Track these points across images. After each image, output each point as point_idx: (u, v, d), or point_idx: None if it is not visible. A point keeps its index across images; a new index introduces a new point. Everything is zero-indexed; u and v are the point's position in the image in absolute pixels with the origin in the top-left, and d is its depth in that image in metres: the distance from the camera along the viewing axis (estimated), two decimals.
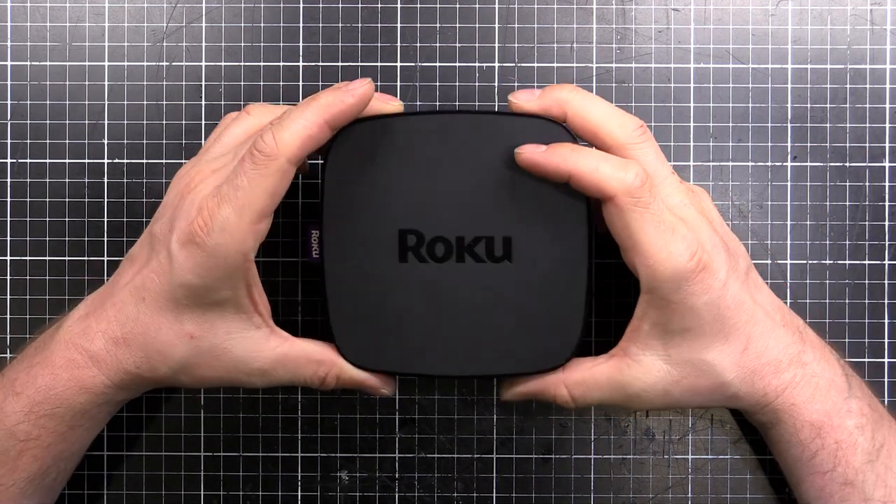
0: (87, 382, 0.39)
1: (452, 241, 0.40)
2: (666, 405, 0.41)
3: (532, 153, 0.39)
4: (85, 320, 0.39)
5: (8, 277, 0.47)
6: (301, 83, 0.47)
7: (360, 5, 0.47)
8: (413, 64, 0.47)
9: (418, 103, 0.47)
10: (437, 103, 0.46)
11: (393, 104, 0.40)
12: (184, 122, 0.47)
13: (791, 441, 0.41)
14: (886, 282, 0.47)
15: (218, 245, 0.36)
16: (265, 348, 0.40)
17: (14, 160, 0.47)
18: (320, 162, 0.46)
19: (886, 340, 0.47)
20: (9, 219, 0.47)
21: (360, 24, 0.47)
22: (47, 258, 0.46)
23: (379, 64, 0.47)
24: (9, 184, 0.47)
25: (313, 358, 0.40)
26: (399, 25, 0.47)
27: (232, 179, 0.37)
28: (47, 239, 0.47)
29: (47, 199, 0.47)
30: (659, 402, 0.40)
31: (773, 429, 0.41)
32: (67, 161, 0.47)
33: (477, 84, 0.47)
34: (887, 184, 0.47)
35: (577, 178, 0.38)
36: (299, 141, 0.37)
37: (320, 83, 0.46)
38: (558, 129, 0.39)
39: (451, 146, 0.40)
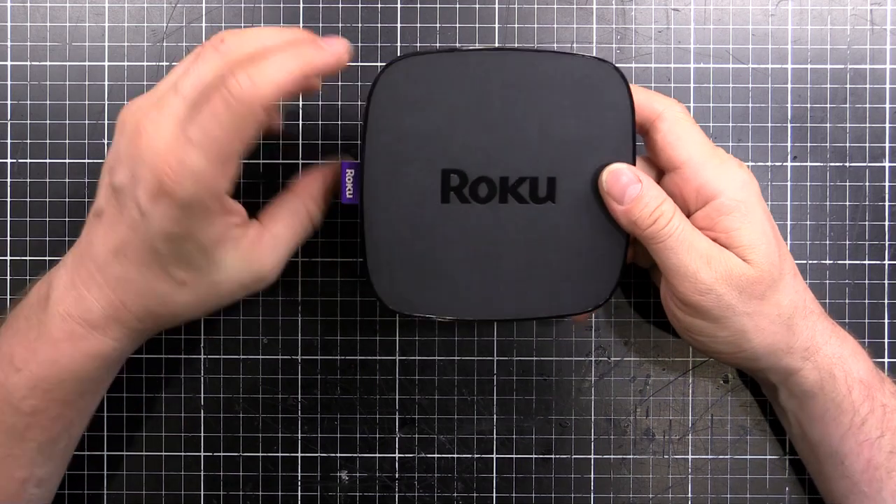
0: (94, 350, 0.39)
1: (496, 182, 0.39)
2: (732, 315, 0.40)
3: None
4: (74, 289, 0.38)
5: (8, 277, 0.47)
6: None
7: (360, 5, 0.47)
8: None
9: None
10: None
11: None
12: None
13: (843, 405, 0.40)
14: (886, 282, 0.47)
15: (190, 194, 0.34)
16: (260, 255, 0.39)
17: (14, 160, 0.47)
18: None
19: (886, 340, 0.47)
20: (9, 219, 0.47)
21: (360, 24, 0.47)
22: (47, 258, 0.46)
23: (379, 64, 0.47)
24: (9, 184, 0.47)
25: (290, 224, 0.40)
26: (399, 25, 0.47)
27: (201, 123, 0.34)
28: (47, 239, 0.47)
29: (47, 199, 0.47)
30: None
31: (820, 391, 0.41)
32: (67, 161, 0.47)
33: None
34: (887, 184, 0.47)
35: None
36: (276, 89, 0.34)
37: (320, 83, 0.46)
38: (608, 67, 0.39)
39: (496, 84, 0.39)
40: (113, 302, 0.38)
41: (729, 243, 0.39)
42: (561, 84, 0.39)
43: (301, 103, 0.46)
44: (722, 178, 0.39)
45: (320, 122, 0.46)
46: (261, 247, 0.39)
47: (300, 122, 0.46)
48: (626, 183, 0.38)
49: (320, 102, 0.46)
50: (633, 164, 0.39)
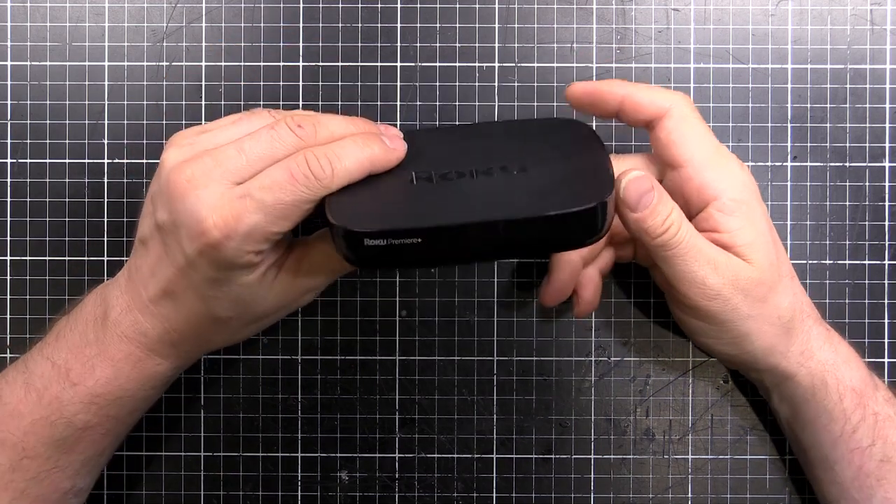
0: (151, 370, 0.40)
1: (466, 172, 0.38)
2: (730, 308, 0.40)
3: (583, 83, 0.41)
4: (130, 313, 0.39)
5: (8, 277, 0.47)
6: (301, 83, 0.47)
7: (360, 5, 0.47)
8: (413, 64, 0.47)
9: (418, 103, 0.46)
10: (438, 103, 0.46)
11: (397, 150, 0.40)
12: (184, 122, 0.47)
13: (834, 413, 0.40)
14: (886, 282, 0.47)
15: (239, 250, 0.36)
16: (303, 281, 0.40)
17: (14, 160, 0.47)
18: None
19: (886, 340, 0.47)
20: (9, 219, 0.47)
21: (360, 24, 0.47)
22: (47, 258, 0.46)
23: (379, 64, 0.47)
24: (9, 184, 0.47)
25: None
26: (399, 25, 0.47)
27: (272, 189, 0.36)
28: (47, 239, 0.47)
29: (47, 199, 0.47)
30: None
31: (812, 398, 0.41)
32: (67, 161, 0.47)
33: (477, 84, 0.47)
34: (887, 184, 0.47)
35: (631, 100, 0.40)
36: (349, 177, 0.37)
37: (320, 83, 0.46)
38: (578, 125, 0.40)
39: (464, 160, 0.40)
40: (168, 330, 0.39)
41: (730, 243, 0.39)
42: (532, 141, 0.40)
43: (301, 103, 0.46)
44: (724, 178, 0.39)
45: None
46: (302, 273, 0.40)
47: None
48: (644, 191, 0.38)
49: (320, 103, 0.46)
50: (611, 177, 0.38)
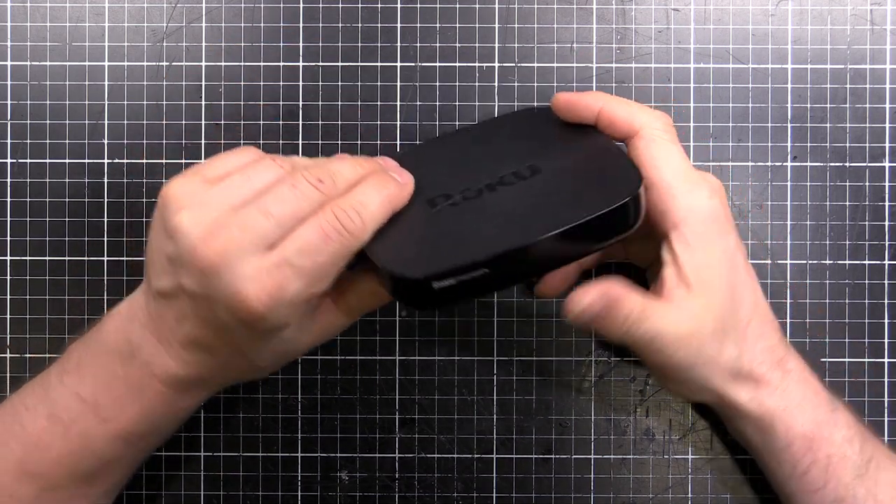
0: (182, 406, 0.40)
1: (481, 187, 0.39)
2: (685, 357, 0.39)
3: (566, 94, 0.40)
4: (160, 356, 0.38)
5: (8, 277, 0.47)
6: (301, 83, 0.47)
7: (360, 5, 0.47)
8: (413, 64, 0.47)
9: (418, 103, 0.47)
10: (438, 103, 0.46)
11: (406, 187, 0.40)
12: (184, 122, 0.47)
13: (782, 457, 0.40)
14: (886, 282, 0.47)
15: (283, 316, 0.36)
16: (334, 323, 0.40)
17: (14, 160, 0.47)
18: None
19: (886, 340, 0.47)
20: (9, 219, 0.47)
21: (360, 24, 0.47)
22: (47, 258, 0.46)
23: (379, 64, 0.47)
24: (9, 184, 0.47)
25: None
26: (399, 25, 0.47)
27: (308, 252, 0.35)
28: (47, 239, 0.47)
29: (47, 199, 0.47)
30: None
31: (761, 441, 0.40)
32: (67, 161, 0.47)
33: (477, 84, 0.47)
34: (887, 184, 0.47)
35: (607, 112, 0.39)
36: (377, 223, 0.37)
37: (320, 83, 0.46)
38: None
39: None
40: (202, 375, 0.39)
41: (680, 280, 0.38)
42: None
43: (301, 103, 0.46)
44: (686, 208, 0.38)
45: (320, 122, 0.46)
46: (342, 312, 0.39)
47: (300, 122, 0.46)
48: (590, 303, 0.37)
49: (320, 103, 0.46)
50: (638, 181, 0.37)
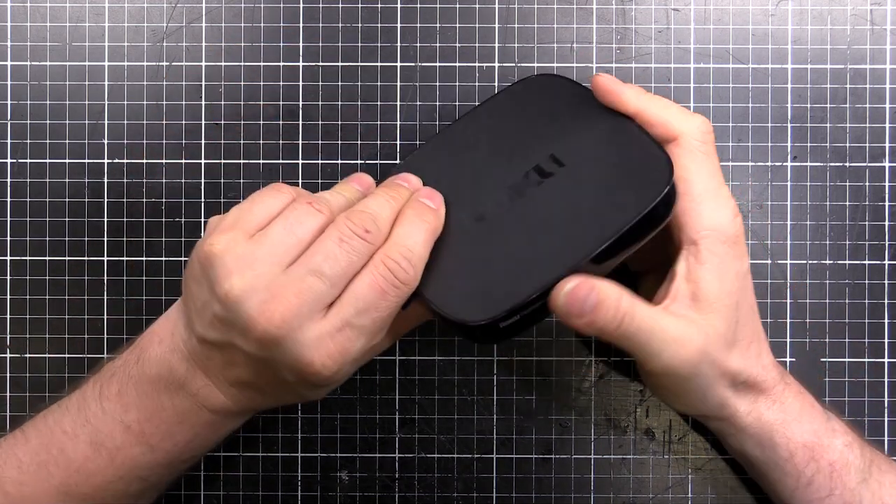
0: (225, 431, 0.40)
1: (512, 195, 0.38)
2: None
3: (609, 80, 0.39)
4: (208, 388, 0.38)
5: (8, 277, 0.47)
6: (301, 83, 0.47)
7: (360, 5, 0.47)
8: (413, 64, 0.47)
9: (418, 103, 0.47)
10: (438, 103, 0.47)
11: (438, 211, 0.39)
12: (184, 122, 0.47)
13: (786, 469, 0.40)
14: (886, 282, 0.47)
15: (346, 373, 0.37)
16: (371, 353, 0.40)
17: (14, 160, 0.47)
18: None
19: (886, 340, 0.47)
20: (9, 219, 0.47)
21: (360, 24, 0.47)
22: (47, 258, 0.46)
23: (379, 64, 0.47)
24: (9, 184, 0.47)
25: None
26: (399, 25, 0.47)
27: (367, 311, 0.35)
28: (47, 239, 0.47)
29: (47, 199, 0.47)
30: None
31: (761, 455, 0.40)
32: (67, 161, 0.47)
33: (477, 84, 0.47)
34: (887, 184, 0.47)
35: (645, 115, 0.38)
36: (423, 263, 0.37)
37: (320, 83, 0.46)
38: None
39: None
40: (251, 406, 0.39)
41: (692, 294, 0.38)
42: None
43: (301, 103, 0.47)
44: (708, 226, 0.38)
45: (320, 122, 0.46)
46: (382, 341, 0.39)
47: (300, 122, 0.46)
48: (583, 297, 0.36)
49: (320, 103, 0.46)
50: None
